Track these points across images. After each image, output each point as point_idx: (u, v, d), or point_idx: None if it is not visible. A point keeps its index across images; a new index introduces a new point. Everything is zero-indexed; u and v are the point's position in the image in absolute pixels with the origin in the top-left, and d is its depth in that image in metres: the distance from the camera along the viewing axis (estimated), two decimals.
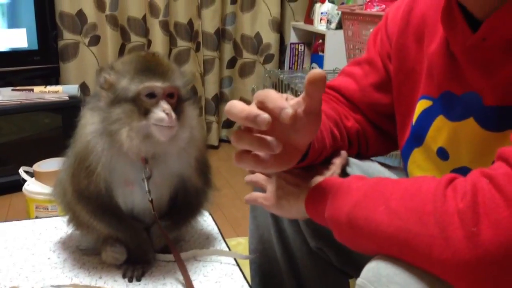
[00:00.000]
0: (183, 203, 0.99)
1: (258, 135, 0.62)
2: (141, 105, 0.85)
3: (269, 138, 0.62)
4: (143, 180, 0.89)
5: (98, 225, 0.94)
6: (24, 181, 1.82)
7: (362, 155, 0.92)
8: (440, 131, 0.76)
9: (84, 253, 1.01)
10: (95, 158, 0.88)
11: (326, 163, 0.83)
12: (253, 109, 0.60)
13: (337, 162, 0.83)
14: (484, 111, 0.69)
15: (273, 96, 0.61)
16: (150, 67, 0.86)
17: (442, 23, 0.72)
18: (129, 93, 0.85)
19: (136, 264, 0.94)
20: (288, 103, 0.61)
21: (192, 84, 0.96)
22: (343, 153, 0.85)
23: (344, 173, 0.83)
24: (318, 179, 0.75)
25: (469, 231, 0.52)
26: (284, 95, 0.66)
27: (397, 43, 0.84)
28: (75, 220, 0.97)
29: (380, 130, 0.92)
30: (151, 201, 0.91)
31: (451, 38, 0.72)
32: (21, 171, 1.83)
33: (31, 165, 1.77)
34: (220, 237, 1.09)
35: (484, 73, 0.68)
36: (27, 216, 1.82)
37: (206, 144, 1.00)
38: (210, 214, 1.18)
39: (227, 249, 1.05)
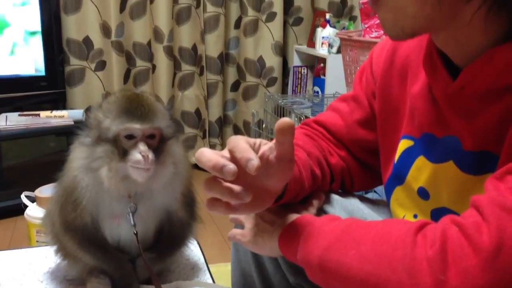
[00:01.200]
0: (169, 236, 1.01)
1: (228, 184, 0.64)
2: (121, 146, 0.87)
3: (238, 188, 0.64)
4: (128, 214, 0.92)
5: (84, 256, 0.96)
6: (26, 206, 1.86)
7: (345, 190, 0.93)
8: (421, 171, 0.77)
9: (71, 283, 1.03)
10: (81, 193, 0.91)
11: (304, 201, 0.85)
12: (220, 159, 0.63)
13: (315, 203, 0.84)
14: (463, 155, 0.70)
15: (241, 146, 0.64)
16: (130, 108, 0.88)
17: (424, 68, 0.74)
18: (110, 134, 0.87)
19: None
20: (254, 154, 0.63)
21: (174, 124, 0.97)
22: (321, 194, 0.87)
23: (323, 211, 0.85)
24: (293, 217, 0.76)
25: (437, 278, 0.53)
26: (258, 140, 0.69)
27: (382, 83, 0.85)
28: (62, 250, 1.00)
29: (365, 166, 0.93)
30: (136, 234, 0.93)
31: (433, 83, 0.73)
32: (23, 196, 1.87)
33: (35, 189, 1.81)
34: (205, 267, 1.11)
35: (463, 119, 0.69)
36: (28, 240, 1.86)
37: (191, 178, 1.01)
38: (198, 243, 1.20)
39: (211, 280, 1.06)
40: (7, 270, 1.09)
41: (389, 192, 0.85)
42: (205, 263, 1.12)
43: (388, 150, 0.85)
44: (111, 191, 0.90)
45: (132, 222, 0.93)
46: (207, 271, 1.09)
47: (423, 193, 0.77)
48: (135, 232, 0.93)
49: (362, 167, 0.93)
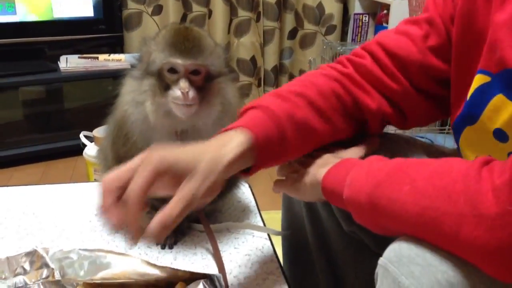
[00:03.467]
0: None
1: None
2: (164, 80, 0.85)
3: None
4: None
5: None
6: (85, 145, 1.91)
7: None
8: (499, 111, 0.69)
9: None
10: (131, 127, 0.90)
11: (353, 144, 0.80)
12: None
13: (364, 148, 0.79)
14: None
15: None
16: (175, 42, 0.84)
17: None
18: (154, 67, 0.85)
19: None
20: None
21: (227, 61, 0.93)
22: (376, 139, 0.82)
23: None
24: (335, 161, 0.72)
25: (504, 209, 0.48)
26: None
27: (463, 6, 0.75)
28: None
29: (429, 97, 0.83)
30: None
31: None
32: (81, 136, 1.93)
33: (92, 130, 1.85)
34: (256, 211, 1.09)
35: None
36: (87, 178, 1.92)
37: None
38: (250, 186, 1.19)
39: (261, 223, 1.05)
40: (65, 202, 1.12)
41: (458, 131, 0.78)
42: (256, 207, 1.11)
43: (461, 85, 0.76)
44: (156, 127, 0.88)
45: None
46: (258, 214, 1.08)
47: (500, 135, 0.70)
48: None
49: (424, 98, 0.83)
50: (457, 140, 0.78)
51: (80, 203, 1.11)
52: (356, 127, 0.82)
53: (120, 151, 0.93)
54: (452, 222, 0.52)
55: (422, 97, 0.81)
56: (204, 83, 0.86)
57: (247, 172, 0.73)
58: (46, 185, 1.20)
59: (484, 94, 0.70)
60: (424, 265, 0.54)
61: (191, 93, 0.84)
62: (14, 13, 2.33)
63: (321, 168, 0.72)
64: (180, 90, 0.83)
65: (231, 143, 0.68)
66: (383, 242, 0.85)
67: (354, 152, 0.78)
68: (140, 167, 0.62)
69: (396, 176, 0.59)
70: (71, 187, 1.19)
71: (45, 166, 2.34)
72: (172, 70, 0.85)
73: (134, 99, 0.89)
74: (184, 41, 0.85)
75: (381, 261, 0.58)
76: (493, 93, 0.68)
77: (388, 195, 0.58)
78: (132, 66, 0.94)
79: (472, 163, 0.54)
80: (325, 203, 0.92)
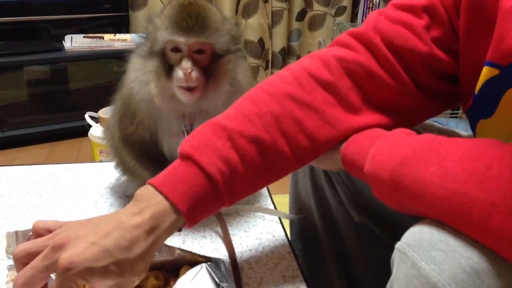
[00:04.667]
0: None
1: None
2: (168, 61, 0.81)
3: None
4: (184, 133, 0.87)
5: (142, 172, 0.93)
6: (90, 126, 1.88)
7: None
8: None
9: (130, 199, 1.01)
10: (138, 106, 0.87)
11: None
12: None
13: None
14: None
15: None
16: (180, 19, 0.79)
17: None
18: (158, 46, 0.81)
19: None
20: None
21: (238, 37, 0.88)
22: None
23: None
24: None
25: None
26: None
27: None
28: (121, 165, 0.98)
29: (430, 95, 0.73)
30: None
31: None
32: (86, 116, 1.90)
33: (98, 111, 1.82)
34: (266, 193, 1.06)
35: None
36: (93, 160, 1.89)
37: None
38: None
39: (272, 206, 1.01)
40: (69, 182, 1.09)
41: (472, 122, 0.73)
42: (266, 189, 1.08)
43: (469, 78, 0.69)
44: (162, 109, 0.85)
45: None
46: (268, 197, 1.05)
47: None
48: None
49: (429, 97, 0.72)
50: (472, 129, 0.73)
51: (86, 183, 1.08)
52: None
53: (127, 129, 0.90)
54: (482, 210, 0.48)
55: (426, 96, 0.71)
56: (210, 63, 0.82)
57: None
58: (51, 165, 1.17)
59: (494, 88, 0.63)
60: (447, 250, 0.50)
61: (194, 74, 0.79)
62: None
63: (341, 136, 0.67)
64: (182, 70, 0.79)
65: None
66: (396, 233, 0.82)
67: None
68: (42, 257, 0.56)
69: (424, 154, 0.55)
70: (76, 167, 1.16)
71: (50, 147, 2.31)
72: (176, 49, 0.80)
73: (139, 78, 0.85)
74: (186, 17, 0.79)
75: (399, 245, 0.54)
76: (504, 88, 0.61)
77: (413, 174, 0.54)
78: (138, 44, 0.90)
79: (508, 147, 0.50)
80: (334, 193, 0.89)
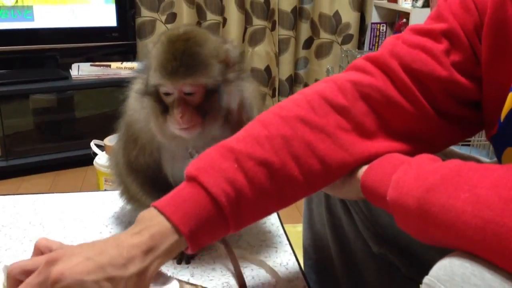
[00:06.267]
0: None
1: None
2: (163, 102, 0.78)
3: None
4: (190, 156, 0.83)
5: (147, 200, 0.89)
6: (96, 154, 1.85)
7: None
8: None
9: None
10: (141, 131, 0.84)
11: None
12: None
13: None
14: None
15: None
16: (166, 60, 0.74)
17: None
18: (151, 87, 0.78)
19: None
20: None
21: (239, 62, 0.81)
22: None
23: None
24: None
25: None
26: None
27: (493, 16, 0.64)
28: (126, 193, 0.94)
29: (450, 120, 0.69)
30: None
31: None
32: (92, 144, 1.87)
33: (104, 139, 1.79)
34: (278, 223, 1.02)
35: None
36: (98, 189, 1.86)
37: None
38: None
39: (284, 236, 0.97)
40: (73, 212, 1.05)
41: (497, 150, 0.69)
42: (278, 219, 1.03)
43: (492, 104, 0.65)
44: (164, 143, 0.82)
45: None
46: (280, 226, 1.00)
47: None
48: None
49: (448, 123, 0.68)
50: (498, 157, 0.69)
51: (90, 213, 1.04)
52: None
53: (132, 155, 0.87)
54: None
55: (446, 123, 0.67)
56: (204, 99, 0.77)
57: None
58: (55, 194, 1.14)
59: None
60: (482, 285, 0.46)
61: (186, 117, 0.75)
62: (32, 19, 2.29)
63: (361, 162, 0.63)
64: (174, 115, 0.76)
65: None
66: (418, 265, 0.78)
67: None
68: (37, 273, 0.56)
69: (453, 181, 0.51)
70: (80, 196, 1.13)
71: (54, 176, 2.28)
72: (166, 93, 0.77)
73: (138, 108, 0.83)
74: (172, 59, 0.74)
75: (428, 280, 0.50)
76: None
77: (442, 201, 0.50)
78: (139, 72, 0.87)
79: None
80: (351, 222, 0.84)
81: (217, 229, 0.62)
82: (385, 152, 0.64)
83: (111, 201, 1.08)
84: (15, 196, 1.13)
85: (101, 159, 1.80)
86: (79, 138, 2.37)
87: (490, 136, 0.69)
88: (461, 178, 0.50)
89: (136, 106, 0.84)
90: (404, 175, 0.56)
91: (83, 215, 1.04)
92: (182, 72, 0.74)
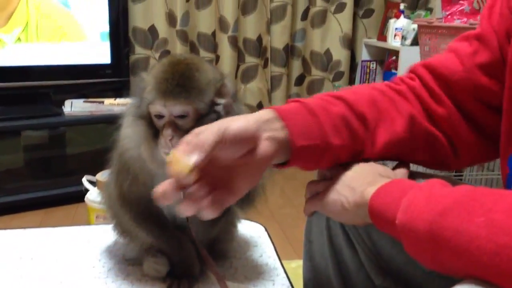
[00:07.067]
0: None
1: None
2: (155, 124, 0.78)
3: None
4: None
5: (140, 233, 0.88)
6: (87, 190, 1.83)
7: (443, 163, 0.75)
8: None
9: (129, 263, 0.95)
10: (133, 159, 0.83)
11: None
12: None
13: (398, 173, 0.69)
14: None
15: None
16: (161, 83, 0.76)
17: None
18: (144, 108, 0.78)
19: (181, 278, 0.87)
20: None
21: (230, 93, 0.81)
22: (407, 165, 0.72)
23: None
24: (383, 179, 0.63)
25: None
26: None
27: None
28: (119, 226, 0.93)
29: (477, 127, 0.73)
30: (187, 218, 0.83)
31: None
32: (84, 180, 1.84)
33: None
34: (275, 256, 1.00)
35: None
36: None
37: None
38: (266, 230, 1.10)
39: (281, 268, 0.95)
40: (66, 246, 1.03)
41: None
42: (275, 251, 1.02)
43: None
44: (155, 169, 0.81)
45: (181, 196, 0.82)
46: (277, 260, 0.98)
47: None
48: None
49: (472, 125, 0.72)
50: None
51: (82, 247, 1.02)
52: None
53: (124, 186, 0.86)
54: None
55: (470, 125, 0.71)
56: (195, 124, 0.76)
57: (283, 164, 0.66)
58: (46, 228, 1.11)
59: None
60: None
61: (175, 140, 0.74)
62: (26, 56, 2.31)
63: (370, 186, 0.62)
64: (163, 137, 0.75)
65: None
66: None
67: (402, 173, 0.69)
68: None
69: (467, 205, 0.50)
70: (72, 230, 1.10)
71: (43, 213, 2.24)
72: (158, 116, 0.77)
73: (131, 136, 0.82)
74: (170, 78, 0.75)
75: None
76: None
77: (455, 225, 0.49)
78: (132, 101, 0.87)
79: None
80: (353, 253, 0.83)
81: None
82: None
83: (104, 234, 1.06)
84: (6, 230, 1.10)
85: (93, 194, 1.77)
86: (70, 174, 2.35)
87: (508, 154, 0.68)
88: (475, 202, 0.50)
89: (129, 133, 0.83)
90: (414, 199, 0.55)
91: (76, 249, 1.01)
92: (177, 92, 0.75)
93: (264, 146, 0.61)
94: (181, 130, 0.76)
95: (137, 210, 0.87)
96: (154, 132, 0.77)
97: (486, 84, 0.69)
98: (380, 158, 0.69)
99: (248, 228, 1.08)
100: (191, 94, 0.75)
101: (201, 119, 0.76)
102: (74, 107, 2.36)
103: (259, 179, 0.64)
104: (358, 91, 0.71)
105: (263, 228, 1.10)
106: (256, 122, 0.62)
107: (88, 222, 1.83)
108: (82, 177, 1.86)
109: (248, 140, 0.61)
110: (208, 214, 0.60)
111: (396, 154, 0.71)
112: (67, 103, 2.37)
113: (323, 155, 0.65)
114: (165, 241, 0.88)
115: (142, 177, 0.84)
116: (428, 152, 0.72)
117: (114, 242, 1.01)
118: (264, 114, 0.64)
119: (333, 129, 0.65)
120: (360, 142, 0.67)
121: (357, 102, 0.68)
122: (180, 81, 0.75)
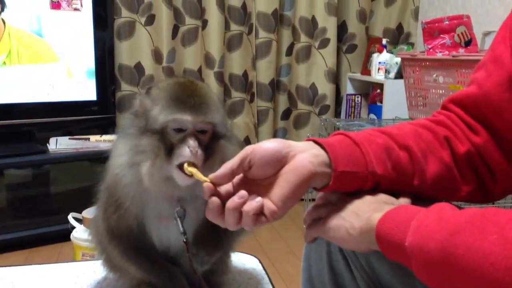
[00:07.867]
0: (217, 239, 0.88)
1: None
2: (168, 140, 0.77)
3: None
4: (176, 220, 0.80)
5: (129, 268, 0.85)
6: (73, 228, 1.78)
7: (490, 193, 0.74)
8: None
9: None
10: (123, 192, 0.81)
11: None
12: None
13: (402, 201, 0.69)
14: None
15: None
16: (182, 97, 0.77)
17: None
18: (157, 124, 0.77)
19: None
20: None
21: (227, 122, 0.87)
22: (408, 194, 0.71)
23: None
24: (388, 206, 0.62)
25: None
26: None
27: None
28: (108, 261, 0.90)
29: (510, 154, 0.72)
30: (186, 242, 0.81)
31: None
32: (70, 217, 1.80)
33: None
34: (270, 286, 0.97)
35: None
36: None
37: None
38: (260, 262, 1.07)
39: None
40: (54, 284, 0.99)
41: None
42: (269, 282, 0.99)
43: None
44: (152, 191, 0.79)
45: (181, 229, 0.80)
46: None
47: None
48: (184, 240, 0.80)
49: (506, 156, 0.72)
50: None
51: (71, 284, 0.98)
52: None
53: (112, 219, 0.84)
54: None
55: (504, 152, 0.71)
56: (209, 143, 0.79)
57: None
58: (33, 266, 1.08)
59: None
60: None
61: (200, 153, 0.75)
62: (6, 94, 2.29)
63: (376, 212, 0.61)
64: (189, 148, 0.75)
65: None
66: None
67: (405, 202, 0.67)
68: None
69: (479, 223, 0.49)
70: (59, 267, 1.07)
71: (28, 253, 2.18)
72: (178, 129, 0.77)
73: (127, 160, 0.80)
74: (191, 96, 0.77)
75: None
76: None
77: (468, 243, 0.48)
78: (125, 125, 0.86)
79: None
80: (353, 278, 0.81)
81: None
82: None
83: (93, 271, 1.03)
84: None
85: (79, 232, 1.73)
86: (55, 213, 2.30)
87: None
88: (488, 221, 0.49)
89: (122, 160, 0.81)
90: (424, 220, 0.54)
91: (63, 287, 0.97)
92: (203, 108, 0.77)
93: (301, 160, 0.64)
94: (200, 145, 0.77)
95: (126, 243, 0.84)
96: (167, 148, 0.77)
97: (507, 99, 0.69)
98: (431, 190, 0.69)
99: (242, 260, 1.06)
100: (212, 110, 0.78)
101: (214, 139, 0.79)
102: (59, 144, 2.33)
103: (299, 196, 0.65)
104: (400, 126, 0.74)
105: (257, 260, 1.08)
106: (289, 146, 0.66)
107: (74, 260, 1.78)
108: (67, 215, 1.82)
109: (279, 160, 0.64)
110: (249, 222, 0.64)
111: (445, 187, 0.71)
112: (52, 140, 2.35)
113: (365, 183, 0.66)
114: (156, 275, 0.85)
115: (134, 207, 0.81)
116: (474, 180, 0.72)
117: (104, 278, 0.98)
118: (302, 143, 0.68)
119: (377, 159, 0.66)
120: (406, 173, 0.68)
121: (401, 135, 0.70)
122: (202, 98, 0.78)
